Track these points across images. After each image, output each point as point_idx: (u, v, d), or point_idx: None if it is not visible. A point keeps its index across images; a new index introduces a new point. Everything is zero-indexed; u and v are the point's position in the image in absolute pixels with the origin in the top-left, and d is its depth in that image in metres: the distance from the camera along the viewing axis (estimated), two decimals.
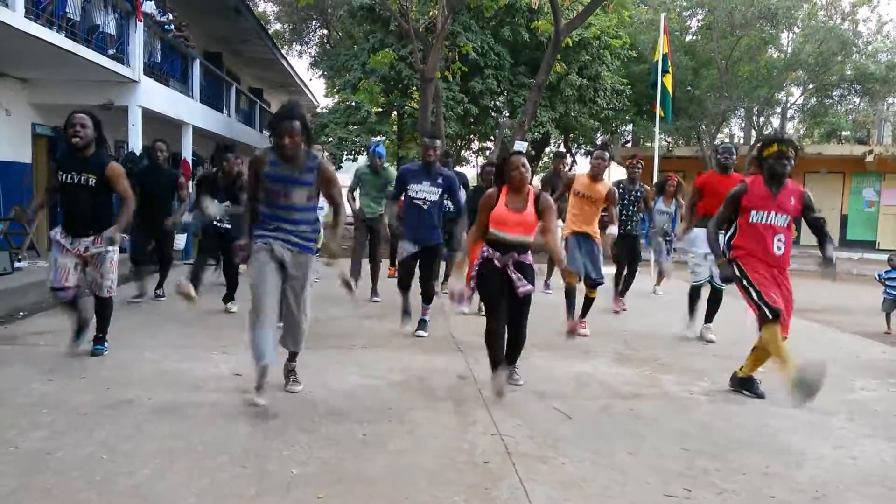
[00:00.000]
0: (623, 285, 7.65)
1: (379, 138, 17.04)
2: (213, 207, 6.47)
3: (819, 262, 4.34)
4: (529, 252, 4.25)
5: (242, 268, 6.53)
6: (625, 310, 7.47)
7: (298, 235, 3.91)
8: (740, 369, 4.48)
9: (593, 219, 6.05)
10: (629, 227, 7.35)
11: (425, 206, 5.75)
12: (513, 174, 4.19)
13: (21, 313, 6.41)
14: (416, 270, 5.96)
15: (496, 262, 4.14)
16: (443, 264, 6.93)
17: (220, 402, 3.84)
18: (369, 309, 7.02)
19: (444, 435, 3.49)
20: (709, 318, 6.07)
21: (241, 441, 3.29)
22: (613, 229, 6.18)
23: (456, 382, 4.45)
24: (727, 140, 23.00)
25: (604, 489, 2.90)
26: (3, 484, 2.74)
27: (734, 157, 6.12)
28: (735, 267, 4.25)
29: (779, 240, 4.20)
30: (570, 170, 6.47)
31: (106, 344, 4.86)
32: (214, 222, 6.59)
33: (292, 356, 4.20)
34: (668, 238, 8.59)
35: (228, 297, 6.78)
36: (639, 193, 7.37)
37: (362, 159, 16.47)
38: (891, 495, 2.93)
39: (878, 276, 8.49)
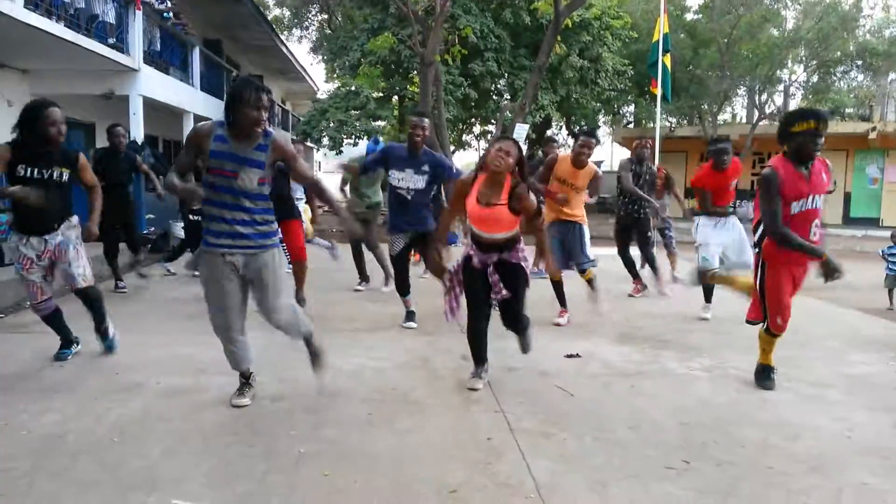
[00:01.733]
0: (652, 271, 7.36)
1: (379, 123, 17.03)
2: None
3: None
4: (518, 247, 3.87)
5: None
6: (667, 294, 7.11)
7: (254, 228, 3.37)
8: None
9: (577, 203, 5.80)
10: (635, 208, 7.06)
11: (409, 196, 5.25)
12: (490, 160, 3.67)
13: (27, 302, 6.46)
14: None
15: (476, 264, 3.84)
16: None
17: (226, 384, 3.90)
18: (373, 292, 7.07)
19: (447, 413, 3.55)
20: (707, 297, 6.09)
21: (248, 422, 3.36)
22: (590, 200, 5.96)
23: (459, 363, 4.51)
24: (728, 119, 22.94)
25: (605, 463, 2.96)
26: (16, 466, 2.80)
27: (730, 156, 5.80)
28: (759, 270, 3.99)
29: (815, 226, 3.79)
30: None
31: (111, 334, 4.60)
32: (189, 215, 6.51)
33: (306, 341, 3.80)
34: (667, 228, 8.16)
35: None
36: (648, 175, 7.10)
37: (363, 144, 16.47)
38: (886, 465, 2.99)
39: (882, 252, 8.51)
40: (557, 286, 5.79)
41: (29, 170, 4.08)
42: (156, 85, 11.24)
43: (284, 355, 4.57)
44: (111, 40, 9.84)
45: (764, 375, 4.15)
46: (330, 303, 6.47)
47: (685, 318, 6.05)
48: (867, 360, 4.78)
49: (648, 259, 7.34)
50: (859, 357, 4.87)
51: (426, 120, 5.30)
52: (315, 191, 3.79)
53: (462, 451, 3.06)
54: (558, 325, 5.72)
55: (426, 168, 5.23)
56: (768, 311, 4.02)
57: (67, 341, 4.52)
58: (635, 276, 7.33)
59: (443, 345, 4.96)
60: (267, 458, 2.94)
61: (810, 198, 3.73)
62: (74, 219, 4.38)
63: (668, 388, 4.05)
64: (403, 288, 5.58)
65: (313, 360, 3.85)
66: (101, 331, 4.55)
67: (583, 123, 23.71)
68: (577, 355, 4.70)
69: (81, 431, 3.19)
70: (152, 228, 11.00)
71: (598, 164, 6.56)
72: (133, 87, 10.46)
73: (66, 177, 4.24)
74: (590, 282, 5.87)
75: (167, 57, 12.47)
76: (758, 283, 4.04)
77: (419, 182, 5.23)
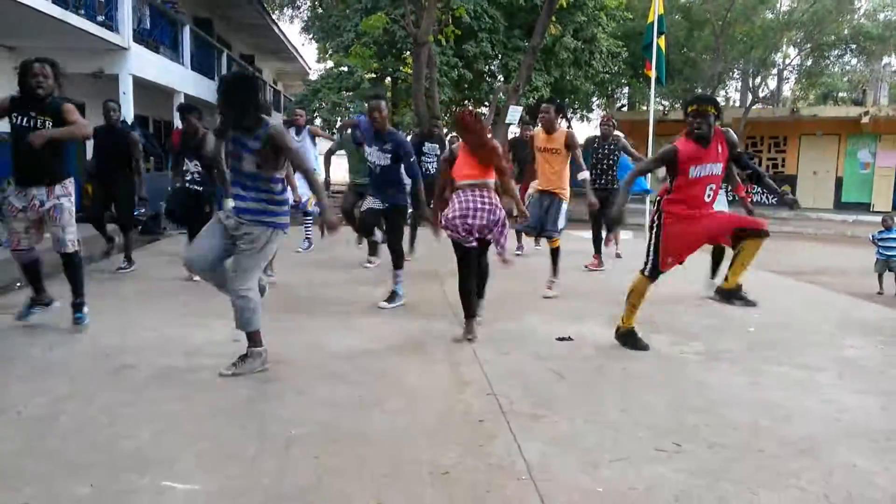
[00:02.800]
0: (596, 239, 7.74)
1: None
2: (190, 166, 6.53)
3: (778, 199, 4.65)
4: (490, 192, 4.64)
5: None
6: (602, 269, 7.64)
7: (249, 204, 3.73)
8: (725, 281, 4.53)
9: (560, 172, 6.12)
10: (604, 181, 7.54)
11: (377, 171, 5.61)
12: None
13: (18, 284, 6.42)
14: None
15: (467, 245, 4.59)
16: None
17: (217, 366, 3.88)
18: (365, 274, 7.06)
19: (439, 396, 3.55)
20: (713, 274, 6.27)
21: (239, 404, 3.35)
22: (584, 174, 6.26)
23: (451, 345, 4.51)
24: (722, 102, 22.87)
25: (596, 445, 2.97)
26: (7, 448, 2.79)
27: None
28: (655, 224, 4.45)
29: (710, 188, 4.32)
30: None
31: (86, 310, 4.64)
32: (186, 183, 6.50)
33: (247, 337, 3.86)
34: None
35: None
36: (612, 146, 7.62)
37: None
38: (874, 447, 3.01)
39: (872, 236, 8.55)
40: (554, 253, 6.23)
41: (18, 118, 4.38)
42: (146, 64, 11.11)
43: (276, 338, 4.56)
44: (100, 18, 9.70)
45: (632, 338, 4.55)
46: (323, 285, 6.46)
47: (677, 302, 6.06)
48: (857, 344, 4.81)
49: (608, 230, 7.80)
50: (850, 341, 4.90)
51: (383, 102, 5.62)
52: (305, 177, 4.18)
53: (454, 433, 3.07)
54: (547, 297, 6.09)
55: (389, 147, 5.51)
56: (660, 254, 4.38)
57: (35, 301, 4.69)
58: (598, 251, 7.73)
59: (436, 328, 4.96)
60: (258, 439, 2.94)
61: (706, 166, 4.27)
62: (69, 183, 4.54)
63: (659, 371, 4.07)
64: (367, 231, 6.01)
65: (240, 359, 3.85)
66: (77, 303, 4.63)
67: (576, 105, 23.65)
68: (570, 338, 4.71)
69: (72, 412, 3.18)
70: (143, 210, 10.92)
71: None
72: (123, 66, 10.33)
73: (48, 125, 4.35)
74: (555, 250, 6.26)
75: (157, 36, 12.32)
76: (654, 233, 4.45)
77: (384, 159, 5.53)
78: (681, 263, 4.47)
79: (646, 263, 4.46)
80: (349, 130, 7.76)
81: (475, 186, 4.60)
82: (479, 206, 4.54)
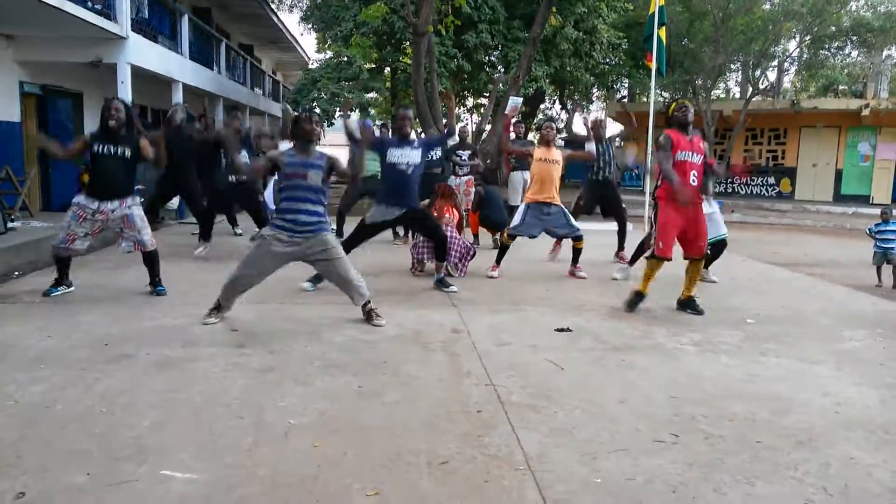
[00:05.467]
0: (618, 240, 7.88)
1: (371, 95, 16.86)
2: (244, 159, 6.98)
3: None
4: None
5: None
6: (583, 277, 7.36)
7: (312, 217, 4.62)
8: (682, 293, 5.42)
9: (556, 181, 6.63)
10: (602, 175, 7.72)
11: (409, 171, 5.72)
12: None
13: (16, 273, 6.42)
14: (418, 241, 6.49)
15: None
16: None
17: (216, 356, 3.89)
18: (364, 265, 7.04)
19: (438, 386, 3.55)
20: (707, 263, 6.56)
21: (237, 394, 3.35)
22: (591, 146, 7.07)
23: (450, 336, 4.51)
24: (722, 94, 22.87)
25: (594, 436, 2.97)
26: (3, 436, 2.79)
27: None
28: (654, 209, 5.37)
29: (693, 175, 5.17)
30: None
31: (163, 284, 5.52)
32: (231, 176, 7.23)
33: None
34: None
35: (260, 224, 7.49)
36: (607, 142, 7.90)
37: (355, 116, 16.31)
38: (872, 439, 3.01)
39: (869, 229, 8.54)
40: (503, 248, 6.83)
41: (101, 147, 5.22)
42: (144, 53, 11.04)
43: (275, 328, 4.57)
44: (98, 6, 9.64)
45: (634, 300, 5.33)
46: None
47: (676, 295, 6.06)
48: (856, 336, 4.81)
49: (621, 225, 7.90)
50: (848, 333, 4.90)
51: (410, 111, 6.29)
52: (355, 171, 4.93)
53: (453, 423, 3.07)
54: (583, 277, 6.73)
55: (416, 144, 5.88)
56: (657, 239, 5.23)
57: (60, 282, 5.37)
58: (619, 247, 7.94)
59: (434, 318, 4.96)
60: (256, 429, 2.93)
61: (690, 153, 5.17)
62: (136, 196, 5.47)
63: (658, 363, 4.06)
64: (350, 248, 5.80)
65: (370, 315, 4.87)
66: (155, 282, 5.50)
67: (576, 97, 23.58)
68: (568, 329, 4.70)
69: (69, 401, 3.17)
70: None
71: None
72: (121, 55, 10.26)
73: (128, 153, 5.27)
74: (579, 250, 6.80)
75: (155, 25, 12.24)
76: (653, 219, 5.38)
77: (416, 157, 5.77)
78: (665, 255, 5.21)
79: (652, 248, 5.39)
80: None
81: None
82: None
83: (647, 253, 5.27)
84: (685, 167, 5.14)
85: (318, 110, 17.67)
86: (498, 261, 6.77)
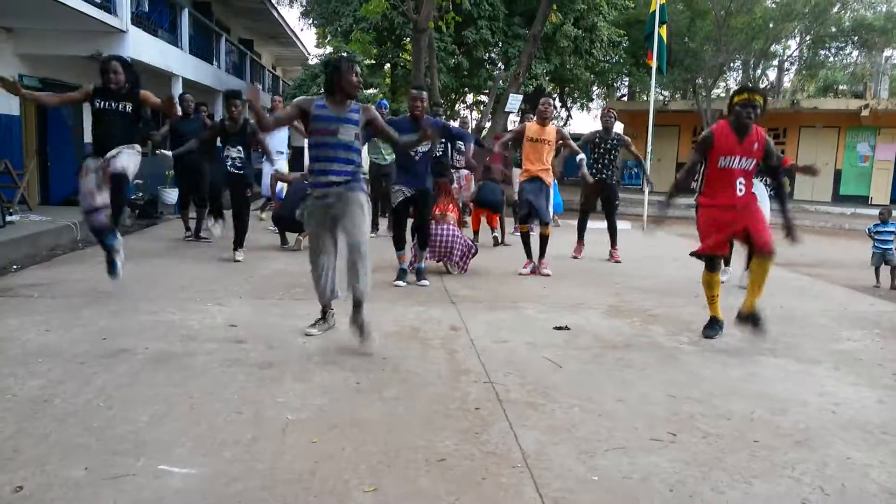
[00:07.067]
0: (610, 238, 7.84)
1: (371, 91, 16.84)
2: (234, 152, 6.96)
3: (782, 229, 4.51)
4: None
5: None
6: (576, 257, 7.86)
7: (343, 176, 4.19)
8: (742, 305, 4.49)
9: (546, 160, 6.66)
10: (605, 175, 7.62)
11: (416, 157, 5.85)
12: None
13: (14, 266, 6.42)
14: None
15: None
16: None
17: (215, 351, 3.89)
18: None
19: (436, 383, 3.55)
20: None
21: (236, 389, 3.34)
22: (581, 156, 7.04)
23: (449, 333, 4.51)
24: (722, 93, 22.85)
25: (592, 434, 2.97)
26: (1, 430, 2.78)
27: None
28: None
29: (740, 183, 4.40)
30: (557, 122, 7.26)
31: (119, 237, 5.33)
32: (228, 166, 6.92)
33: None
34: None
35: (239, 244, 6.93)
36: (614, 141, 7.66)
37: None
38: (869, 439, 3.02)
39: (868, 230, 8.54)
40: (544, 240, 6.75)
41: (101, 103, 5.18)
42: (144, 47, 11.02)
43: (274, 323, 4.57)
44: (98, 0, 9.62)
45: (707, 326, 4.66)
46: None
47: (675, 294, 6.08)
48: (854, 337, 4.82)
49: (611, 223, 7.84)
50: (846, 333, 4.91)
51: (425, 92, 5.97)
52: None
53: (451, 420, 3.07)
54: (547, 275, 6.63)
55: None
56: (701, 238, 4.59)
57: (112, 261, 5.28)
58: (580, 238, 7.98)
59: (433, 315, 4.96)
60: (255, 424, 2.93)
61: (737, 158, 4.35)
62: (138, 147, 5.34)
63: (656, 361, 4.07)
64: (401, 240, 6.13)
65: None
66: (114, 222, 5.26)
67: (576, 95, 23.57)
68: (567, 327, 4.71)
69: (68, 396, 3.17)
70: (140, 194, 10.89)
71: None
72: (121, 49, 10.21)
73: (129, 108, 5.22)
74: (545, 237, 6.75)
75: (155, 19, 12.22)
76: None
77: (425, 145, 5.64)
78: (720, 251, 4.68)
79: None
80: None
81: None
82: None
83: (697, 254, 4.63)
84: (730, 176, 4.38)
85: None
86: (542, 254, 6.73)
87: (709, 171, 4.47)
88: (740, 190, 4.41)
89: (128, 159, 5.20)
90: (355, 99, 4.23)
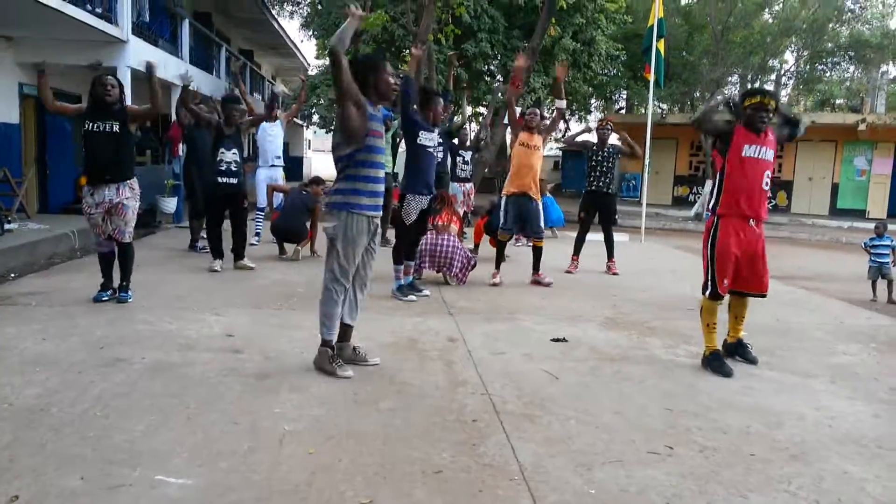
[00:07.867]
0: (607, 249, 7.80)
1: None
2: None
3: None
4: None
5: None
6: (570, 272, 7.68)
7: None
8: (728, 336, 4.47)
9: (535, 170, 6.69)
10: (602, 184, 7.61)
11: (436, 155, 5.98)
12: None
13: (12, 274, 6.41)
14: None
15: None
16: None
17: (212, 361, 3.89)
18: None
19: (433, 394, 3.55)
20: None
21: (233, 399, 3.34)
22: (560, 102, 6.92)
23: (446, 344, 4.51)
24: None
25: (589, 446, 2.97)
26: None
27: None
28: (712, 229, 4.18)
29: (766, 176, 4.11)
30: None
31: (130, 292, 5.33)
32: (219, 178, 6.72)
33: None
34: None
35: (239, 255, 6.92)
36: (610, 150, 7.70)
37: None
38: (865, 453, 3.03)
39: (864, 244, 8.58)
40: (538, 251, 6.81)
41: (91, 125, 5.15)
42: (144, 57, 11.03)
43: (271, 333, 4.56)
44: (99, 9, 9.65)
45: (716, 362, 4.17)
46: (316, 281, 6.43)
47: (672, 307, 6.08)
48: (850, 351, 4.83)
49: (608, 236, 7.79)
50: (843, 347, 4.92)
51: (442, 100, 6.18)
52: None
53: (448, 431, 3.07)
54: (548, 284, 6.71)
55: (438, 134, 5.96)
56: (716, 273, 4.14)
57: (106, 287, 5.36)
58: (577, 252, 7.85)
59: (431, 326, 4.96)
60: (251, 435, 2.93)
61: (762, 148, 4.08)
62: (134, 182, 5.30)
63: (653, 374, 4.07)
64: (410, 255, 6.04)
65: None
66: (123, 286, 5.34)
67: (574, 107, 23.64)
68: (564, 339, 4.71)
69: (64, 405, 3.16)
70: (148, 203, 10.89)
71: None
72: (121, 59, 10.25)
73: (116, 128, 5.16)
74: (538, 249, 6.80)
75: (156, 29, 12.26)
76: (709, 244, 4.19)
77: (440, 148, 6.08)
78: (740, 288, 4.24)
79: (704, 283, 4.23)
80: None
81: None
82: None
83: (707, 293, 4.20)
84: (756, 168, 4.07)
85: (316, 117, 17.66)
86: (497, 265, 6.79)
87: (730, 169, 4.10)
88: (766, 184, 4.10)
89: (132, 215, 5.27)
90: (390, 102, 3.89)
